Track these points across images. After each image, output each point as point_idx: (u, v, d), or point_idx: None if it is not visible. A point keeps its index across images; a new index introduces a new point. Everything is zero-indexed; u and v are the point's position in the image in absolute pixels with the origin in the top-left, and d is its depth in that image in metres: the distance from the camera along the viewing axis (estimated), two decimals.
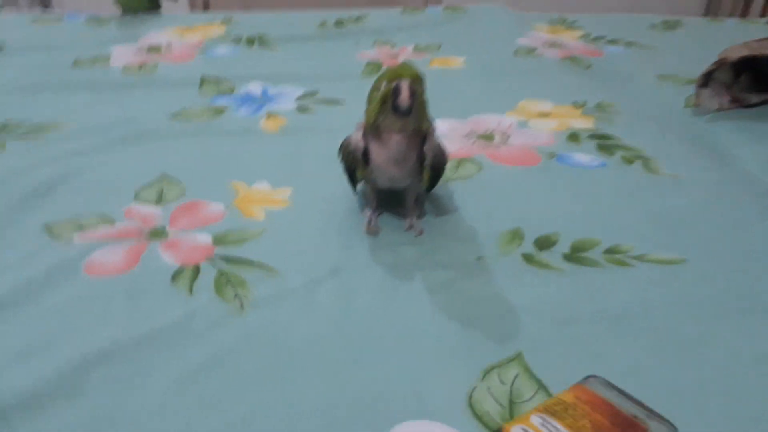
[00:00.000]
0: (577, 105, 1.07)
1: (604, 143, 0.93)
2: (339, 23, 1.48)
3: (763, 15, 2.33)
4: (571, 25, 1.54)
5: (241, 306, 0.60)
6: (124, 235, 0.70)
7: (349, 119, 1.02)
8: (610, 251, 0.68)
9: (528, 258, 0.67)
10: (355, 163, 0.69)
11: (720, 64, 1.05)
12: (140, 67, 1.18)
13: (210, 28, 1.42)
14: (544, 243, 0.70)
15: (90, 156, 0.87)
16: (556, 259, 0.67)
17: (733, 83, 1.09)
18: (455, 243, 0.70)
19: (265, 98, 1.08)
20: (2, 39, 1.26)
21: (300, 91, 1.11)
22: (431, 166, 0.68)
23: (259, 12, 1.62)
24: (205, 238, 0.70)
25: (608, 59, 1.32)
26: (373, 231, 0.72)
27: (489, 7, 1.60)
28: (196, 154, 0.89)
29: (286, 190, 0.80)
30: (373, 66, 1.23)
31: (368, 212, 0.74)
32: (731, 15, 2.42)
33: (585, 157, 0.89)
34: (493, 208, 0.77)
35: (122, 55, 1.24)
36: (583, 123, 1.00)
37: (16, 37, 1.29)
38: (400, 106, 0.61)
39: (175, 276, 0.64)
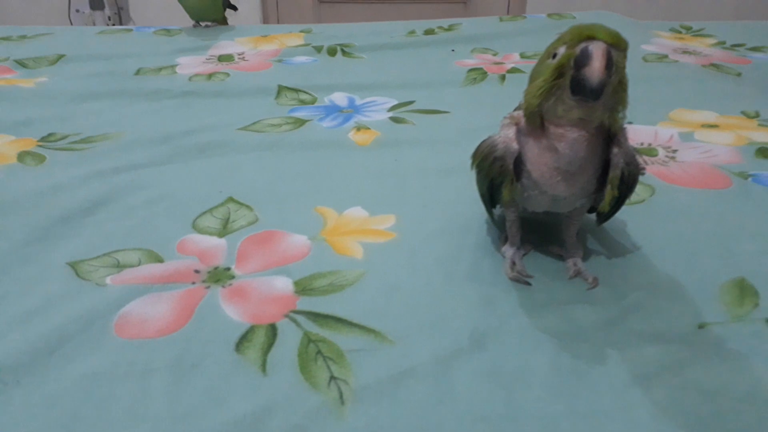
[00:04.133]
0: (748, 115, 0.81)
1: None
2: (429, 32, 1.27)
3: None
4: (698, 33, 1.28)
5: (341, 398, 0.37)
6: (175, 278, 0.49)
7: (457, 130, 0.79)
8: None
9: None
10: (501, 175, 0.45)
11: None
12: (209, 76, 1.00)
13: (287, 37, 1.23)
14: None
15: (141, 172, 0.67)
16: None
17: None
18: (652, 300, 0.45)
19: (353, 109, 0.86)
20: (63, 50, 1.11)
21: (392, 101, 0.89)
22: (621, 181, 0.43)
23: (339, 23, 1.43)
24: (284, 284, 0.48)
25: (760, 67, 1.05)
26: (520, 278, 0.48)
27: (600, 11, 1.36)
28: (272, 172, 0.67)
29: (389, 218, 0.57)
30: (477, 73, 1.00)
31: (510, 250, 0.50)
32: None
33: None
34: (690, 247, 0.52)
35: (190, 64, 1.06)
36: (766, 136, 0.74)
37: (78, 47, 1.13)
38: (587, 82, 0.37)
39: (243, 342, 0.42)
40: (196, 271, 0.50)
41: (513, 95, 0.91)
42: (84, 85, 0.94)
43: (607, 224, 0.54)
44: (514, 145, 0.44)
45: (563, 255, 0.51)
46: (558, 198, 0.45)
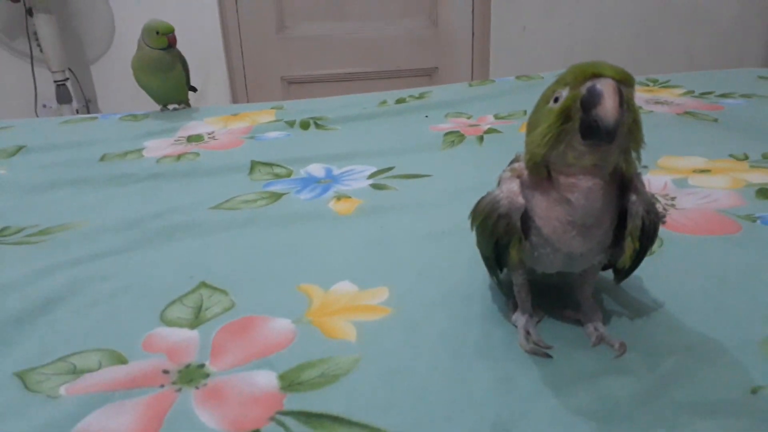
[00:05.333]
0: (737, 158, 0.78)
1: None
2: (401, 101, 1.25)
3: None
4: (665, 84, 1.28)
5: None
6: (140, 382, 0.41)
7: (442, 193, 0.73)
8: None
9: None
10: (507, 234, 0.40)
11: None
12: (178, 157, 0.95)
13: (258, 114, 1.19)
14: None
15: (104, 261, 0.60)
16: None
17: None
18: (691, 365, 0.39)
19: (331, 179, 0.82)
20: (23, 141, 1.05)
21: (371, 168, 0.84)
22: (641, 231, 0.38)
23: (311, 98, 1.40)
24: (267, 379, 0.41)
25: (733, 111, 1.04)
26: (538, 350, 0.42)
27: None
28: (248, 252, 0.61)
29: (381, 291, 0.51)
30: (455, 136, 0.97)
31: (522, 319, 0.44)
32: None
33: None
34: (716, 299, 0.47)
35: (158, 147, 1.01)
36: (762, 177, 0.71)
37: (39, 138, 1.08)
38: (601, 123, 0.33)
39: None
40: (165, 372, 0.42)
41: (493, 155, 0.89)
42: (44, 176, 0.88)
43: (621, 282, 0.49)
44: (520, 200, 0.39)
45: (581, 319, 0.45)
46: (573, 255, 0.40)
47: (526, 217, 0.39)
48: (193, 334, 0.46)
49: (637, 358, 0.40)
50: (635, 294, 0.48)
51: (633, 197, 0.38)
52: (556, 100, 0.36)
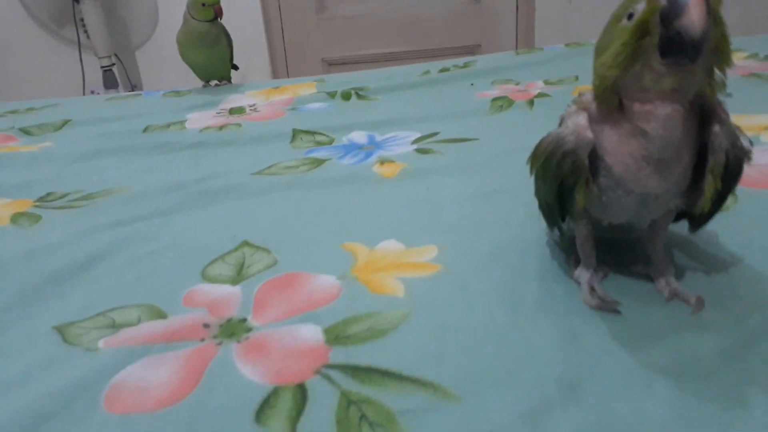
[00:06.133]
0: None
1: None
2: (444, 70, 1.20)
3: None
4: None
5: None
6: (179, 336, 0.39)
7: (489, 155, 0.69)
8: None
9: None
10: (575, 174, 0.36)
11: None
12: (220, 128, 0.93)
13: (299, 87, 1.17)
14: None
15: (145, 223, 0.59)
16: None
17: None
18: None
19: (374, 145, 0.78)
20: (69, 116, 1.05)
21: (415, 134, 0.81)
22: (726, 168, 0.34)
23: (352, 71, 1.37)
24: (312, 333, 0.38)
25: None
26: (606, 305, 0.38)
27: None
28: (291, 213, 0.59)
29: (429, 248, 0.48)
30: (503, 101, 0.92)
31: (585, 274, 0.40)
32: None
33: None
34: None
35: (200, 119, 1.00)
36: None
37: (85, 113, 1.08)
38: (686, 35, 0.28)
39: (265, 409, 0.32)
40: (206, 326, 0.40)
41: (545, 118, 0.83)
42: (89, 146, 0.88)
43: (694, 237, 0.44)
44: (588, 134, 0.35)
45: (651, 274, 0.40)
46: (647, 198, 0.35)
47: (594, 156, 0.35)
48: (235, 290, 0.44)
49: (717, 315, 0.36)
50: (710, 249, 0.44)
51: (716, 128, 0.33)
52: (630, 16, 0.32)
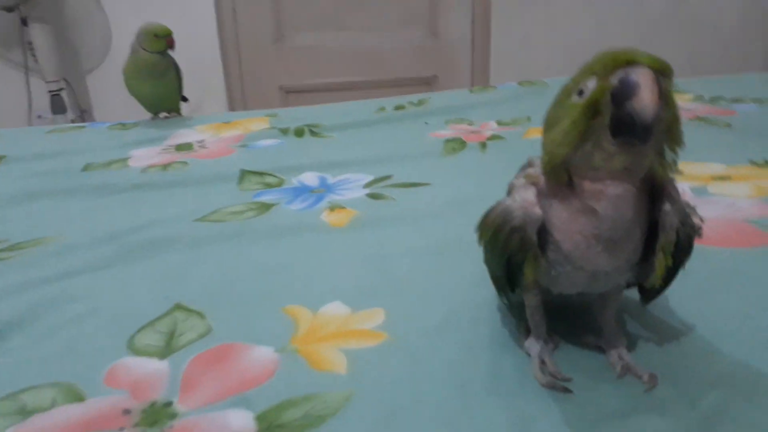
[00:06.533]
0: (757, 164, 0.73)
1: None
2: (400, 107, 1.19)
3: None
4: (674, 89, 1.23)
5: None
6: (96, 425, 0.35)
7: (442, 203, 0.67)
8: None
9: None
10: (522, 251, 0.34)
11: None
12: (165, 166, 0.89)
13: (252, 122, 1.14)
14: None
15: (73, 281, 0.54)
16: None
17: None
18: (736, 401, 0.33)
19: (325, 188, 0.76)
20: (5, 150, 0.99)
21: (368, 177, 0.79)
22: (676, 246, 0.33)
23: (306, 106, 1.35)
24: (242, 421, 0.35)
25: (747, 116, 0.99)
26: (556, 383, 0.36)
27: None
28: (232, 268, 0.55)
29: (376, 313, 0.45)
30: (456, 143, 0.91)
31: (535, 346, 0.38)
32: None
33: None
34: (755, 322, 0.41)
35: (144, 156, 0.95)
36: None
37: (22, 148, 1.02)
38: (637, 118, 0.27)
39: None
40: (126, 412, 0.36)
41: (498, 162, 0.83)
42: (22, 187, 0.82)
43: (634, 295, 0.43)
44: (537, 210, 0.33)
45: (602, 346, 0.39)
46: (597, 274, 0.34)
47: (543, 231, 0.33)
48: (162, 366, 0.40)
49: (671, 393, 0.34)
50: (662, 315, 0.42)
51: (667, 207, 0.32)
52: (581, 93, 0.30)
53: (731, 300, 0.43)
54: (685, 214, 0.33)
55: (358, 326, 0.44)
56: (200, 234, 0.63)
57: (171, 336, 0.44)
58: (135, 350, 0.43)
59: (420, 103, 1.22)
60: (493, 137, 0.93)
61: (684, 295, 0.44)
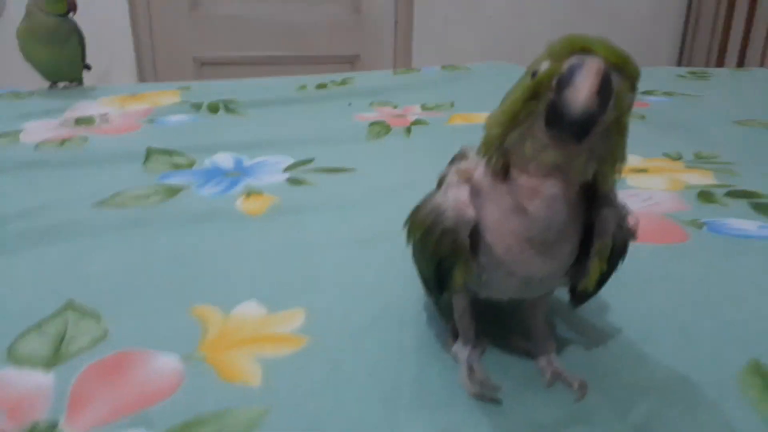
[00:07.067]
0: (672, 157, 0.74)
1: (758, 202, 0.59)
2: (322, 86, 1.14)
3: (739, 65, 2.14)
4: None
5: None
6: None
7: (367, 190, 0.64)
8: None
9: None
10: (454, 254, 0.31)
11: None
12: (62, 142, 0.80)
13: (161, 95, 1.06)
14: None
15: None
16: None
17: None
18: (667, 408, 0.33)
19: (241, 171, 0.71)
20: None
21: (288, 160, 0.74)
22: (613, 249, 0.31)
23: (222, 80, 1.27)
24: None
25: (659, 109, 1.01)
26: (485, 393, 0.34)
27: (494, 63, 1.31)
28: (134, 261, 0.50)
29: (295, 314, 0.42)
30: (380, 126, 0.88)
31: (463, 351, 0.36)
32: (707, 64, 2.23)
33: (747, 223, 0.55)
34: (681, 322, 0.40)
35: (38, 129, 0.86)
36: (700, 178, 0.66)
37: None
38: (567, 110, 0.25)
39: None
40: None
41: (422, 148, 0.81)
42: None
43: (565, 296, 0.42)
44: (469, 212, 0.30)
45: (531, 351, 0.37)
46: (530, 280, 0.32)
47: (474, 233, 0.31)
48: (47, 380, 0.35)
49: (602, 403, 0.33)
50: (588, 316, 0.41)
51: (605, 211, 0.30)
52: (534, 74, 0.28)
53: (656, 298, 0.43)
54: (622, 217, 0.32)
55: (275, 330, 0.40)
56: (99, 221, 0.57)
57: (60, 341, 0.38)
58: (16, 359, 0.37)
59: (343, 82, 1.18)
60: (418, 122, 0.90)
61: (610, 294, 0.43)
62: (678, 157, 0.74)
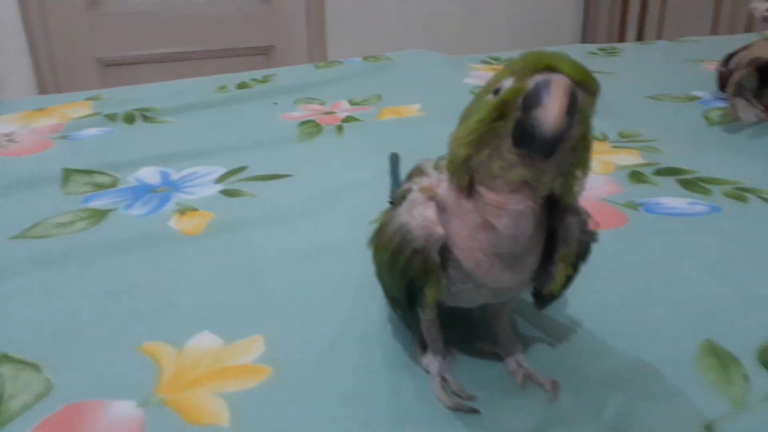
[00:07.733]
0: (597, 138, 0.77)
1: (684, 179, 0.62)
2: (243, 86, 1.10)
3: (638, 38, 2.26)
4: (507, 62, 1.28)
5: None
6: None
7: (309, 196, 0.61)
8: None
9: None
10: (425, 273, 0.30)
11: (754, 64, 0.81)
12: None
13: (70, 107, 0.98)
14: None
15: None
16: None
17: (757, 89, 0.84)
18: (637, 402, 0.34)
19: (169, 186, 0.67)
20: None
21: (220, 170, 0.71)
22: (576, 254, 0.32)
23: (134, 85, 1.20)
24: None
25: None
26: (462, 405, 0.33)
27: (414, 51, 1.30)
28: (67, 300, 0.46)
29: (254, 341, 0.40)
30: (311, 126, 0.86)
31: (434, 363, 0.36)
32: (609, 39, 2.33)
33: (678, 201, 0.58)
34: (635, 309, 0.42)
35: None
36: (628, 158, 0.69)
37: None
38: (538, 130, 0.25)
39: None
40: None
41: (356, 147, 0.79)
42: None
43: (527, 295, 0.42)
44: (438, 230, 0.30)
45: (499, 353, 0.37)
46: (500, 290, 0.32)
47: (443, 248, 0.30)
48: None
49: (573, 402, 0.34)
50: (547, 311, 0.42)
51: (569, 219, 0.31)
52: (496, 91, 0.27)
53: (608, 286, 0.44)
54: (584, 222, 0.32)
55: (235, 362, 0.38)
56: (19, 256, 0.52)
57: None
58: None
59: (265, 79, 1.14)
60: (348, 119, 0.89)
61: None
62: (604, 138, 0.77)
